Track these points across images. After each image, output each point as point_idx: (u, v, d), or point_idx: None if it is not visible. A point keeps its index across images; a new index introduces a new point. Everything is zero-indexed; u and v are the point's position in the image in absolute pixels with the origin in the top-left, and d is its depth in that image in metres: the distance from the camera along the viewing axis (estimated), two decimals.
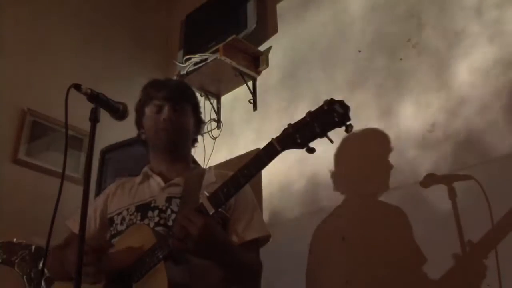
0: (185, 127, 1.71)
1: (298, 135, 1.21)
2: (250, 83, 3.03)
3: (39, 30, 3.10)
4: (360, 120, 2.40)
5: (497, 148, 1.91)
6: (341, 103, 1.18)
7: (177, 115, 1.68)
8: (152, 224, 1.52)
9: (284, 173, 2.57)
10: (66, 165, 1.53)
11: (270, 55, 3.02)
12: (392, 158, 2.18)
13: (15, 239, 2.24)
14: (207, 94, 3.21)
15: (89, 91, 1.56)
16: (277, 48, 3.01)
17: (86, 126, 1.57)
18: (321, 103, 1.19)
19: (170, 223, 1.51)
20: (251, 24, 2.97)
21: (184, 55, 3.16)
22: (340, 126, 1.17)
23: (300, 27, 2.92)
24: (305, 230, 2.31)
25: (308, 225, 2.32)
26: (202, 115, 1.86)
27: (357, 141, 2.35)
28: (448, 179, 1.95)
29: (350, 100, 2.52)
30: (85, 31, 3.32)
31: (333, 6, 2.77)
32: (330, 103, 1.17)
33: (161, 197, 1.59)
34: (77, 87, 1.54)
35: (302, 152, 1.22)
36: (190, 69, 3.09)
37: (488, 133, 1.95)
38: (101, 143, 2.34)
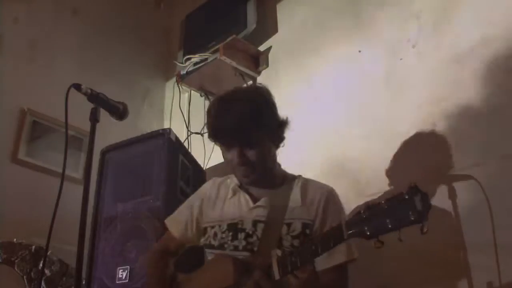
0: (261, 158, 1.58)
1: (368, 226, 1.15)
2: (250, 83, 3.03)
3: (39, 30, 3.09)
4: (360, 121, 2.40)
5: (497, 148, 1.90)
6: (424, 196, 1.08)
7: (249, 154, 1.56)
8: (240, 247, 1.55)
9: None
10: (66, 165, 1.54)
11: (270, 55, 3.02)
12: (392, 159, 2.18)
13: (15, 239, 2.24)
14: (207, 94, 3.21)
15: (89, 91, 1.57)
16: (277, 48, 3.01)
17: (86, 126, 1.58)
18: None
19: (255, 248, 1.53)
20: (251, 24, 2.96)
21: (184, 55, 3.16)
22: (414, 225, 1.08)
23: (300, 27, 2.92)
24: None
25: None
26: (278, 115, 1.67)
27: (357, 140, 2.35)
28: (448, 179, 1.95)
29: (349, 99, 2.54)
30: (85, 31, 3.32)
31: (333, 5, 2.77)
32: (412, 192, 1.09)
33: (248, 219, 1.59)
34: (77, 87, 1.55)
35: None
36: (190, 69, 3.09)
37: (488, 133, 1.95)
38: (101, 143, 2.34)
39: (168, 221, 1.78)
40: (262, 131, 1.57)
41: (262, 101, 1.62)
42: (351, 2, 2.70)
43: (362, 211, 1.17)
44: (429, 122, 2.13)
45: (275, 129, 1.64)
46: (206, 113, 1.63)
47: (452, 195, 1.92)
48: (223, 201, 1.69)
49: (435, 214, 1.94)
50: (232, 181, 1.71)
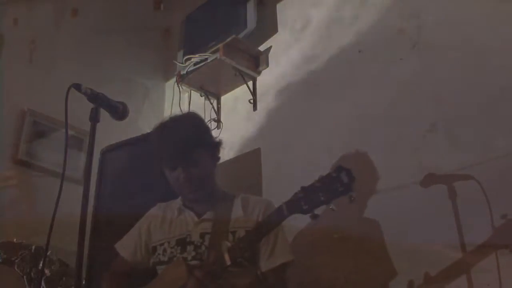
0: (204, 175, 1.75)
1: (304, 202, 1.33)
2: (250, 83, 3.03)
3: (39, 30, 3.09)
4: (360, 121, 2.40)
5: (497, 148, 1.90)
6: (348, 171, 1.28)
7: (193, 171, 1.71)
8: (189, 258, 1.66)
9: (284, 173, 2.57)
10: (66, 165, 1.54)
11: (270, 55, 3.02)
12: (392, 158, 2.18)
13: (15, 239, 2.24)
14: (207, 94, 3.21)
15: (89, 91, 1.57)
16: (277, 48, 3.01)
17: (86, 126, 1.58)
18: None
19: (204, 257, 1.64)
20: (251, 24, 2.97)
21: (184, 55, 3.16)
22: (343, 196, 1.28)
23: (299, 27, 2.92)
24: (303, 230, 2.31)
25: (306, 225, 2.32)
26: (215, 137, 1.88)
27: (357, 141, 2.35)
28: (448, 179, 1.95)
29: (349, 99, 2.54)
30: (85, 31, 3.32)
31: (333, 5, 2.77)
32: (338, 170, 1.29)
33: (195, 232, 1.72)
34: (77, 87, 1.55)
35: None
36: (190, 69, 3.09)
37: (488, 133, 1.95)
38: (101, 143, 2.34)
39: (118, 246, 1.86)
40: (202, 150, 1.75)
41: (199, 124, 1.85)
42: (350, 2, 2.70)
43: (298, 192, 1.36)
44: (429, 122, 2.14)
45: (212, 148, 1.82)
46: (151, 142, 1.80)
47: (452, 195, 1.92)
48: (169, 221, 1.80)
49: (435, 214, 1.96)
50: (176, 203, 1.84)
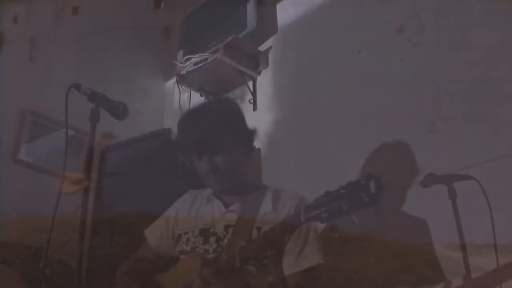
0: (231, 165, 1.65)
1: (324, 210, 1.23)
2: (250, 83, 3.03)
3: (39, 29, 3.09)
4: (359, 121, 2.40)
5: (497, 148, 1.90)
6: (377, 180, 1.17)
7: (219, 161, 1.63)
8: (211, 250, 1.59)
9: (284, 173, 2.57)
10: (66, 165, 1.54)
11: (270, 55, 3.02)
12: (392, 158, 2.18)
13: (15, 239, 2.24)
14: (207, 94, 3.21)
15: (89, 91, 1.57)
16: (277, 48, 3.01)
17: (86, 126, 1.58)
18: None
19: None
20: (251, 24, 2.96)
21: (184, 55, 3.16)
22: (368, 208, 1.17)
23: (299, 27, 2.92)
24: None
25: None
26: (246, 124, 1.74)
27: (358, 140, 2.35)
28: (448, 179, 1.95)
29: (349, 99, 2.54)
30: (85, 31, 3.32)
31: (333, 5, 2.77)
32: (368, 178, 1.17)
33: (220, 223, 1.64)
34: (77, 87, 1.55)
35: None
36: (190, 69, 3.09)
37: (488, 133, 1.95)
38: (101, 143, 2.34)
39: (147, 232, 1.81)
40: (230, 138, 1.64)
41: (229, 110, 1.73)
42: (350, 2, 2.70)
43: (320, 197, 1.25)
44: (429, 122, 2.14)
45: (243, 137, 1.70)
46: (178, 127, 1.71)
47: (452, 195, 1.92)
48: (197, 209, 1.73)
49: (435, 214, 1.96)
50: (207, 191, 1.76)
